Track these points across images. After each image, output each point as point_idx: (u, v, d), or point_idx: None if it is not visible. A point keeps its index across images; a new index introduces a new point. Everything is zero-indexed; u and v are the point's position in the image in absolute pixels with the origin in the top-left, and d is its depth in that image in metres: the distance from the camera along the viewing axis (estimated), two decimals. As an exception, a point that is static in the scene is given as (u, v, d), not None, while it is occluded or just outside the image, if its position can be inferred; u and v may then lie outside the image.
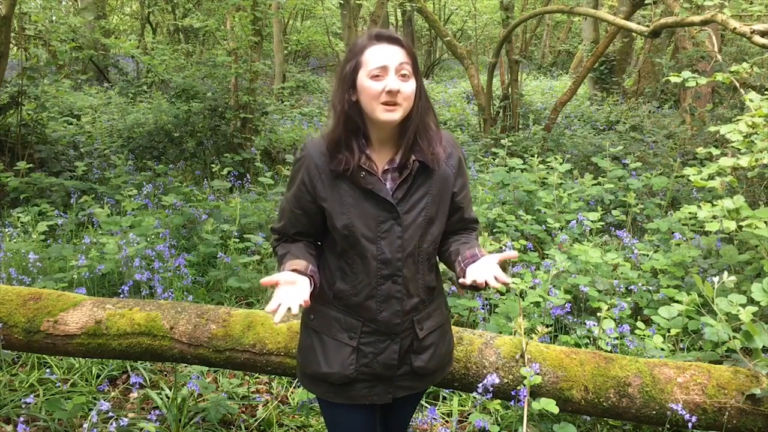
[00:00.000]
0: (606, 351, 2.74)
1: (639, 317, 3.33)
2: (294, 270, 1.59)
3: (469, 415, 2.91)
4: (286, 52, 14.41)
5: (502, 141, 6.59)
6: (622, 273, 3.53)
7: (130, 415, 2.87)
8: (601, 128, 9.27)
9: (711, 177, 3.35)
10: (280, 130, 8.52)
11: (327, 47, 16.69)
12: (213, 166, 6.64)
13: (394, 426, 1.95)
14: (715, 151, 3.54)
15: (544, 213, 4.74)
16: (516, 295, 3.37)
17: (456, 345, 2.31)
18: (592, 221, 4.27)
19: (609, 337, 2.85)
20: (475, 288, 1.54)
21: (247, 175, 6.86)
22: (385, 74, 1.56)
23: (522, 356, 2.30)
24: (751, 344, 2.42)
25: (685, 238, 3.99)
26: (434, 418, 2.62)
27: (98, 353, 2.57)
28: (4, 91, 6.32)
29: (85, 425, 2.35)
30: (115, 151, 7.31)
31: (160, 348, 2.50)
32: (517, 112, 8.62)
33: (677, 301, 3.02)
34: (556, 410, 2.18)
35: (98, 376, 3.28)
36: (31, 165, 6.02)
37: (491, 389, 2.20)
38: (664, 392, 2.21)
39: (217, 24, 8.17)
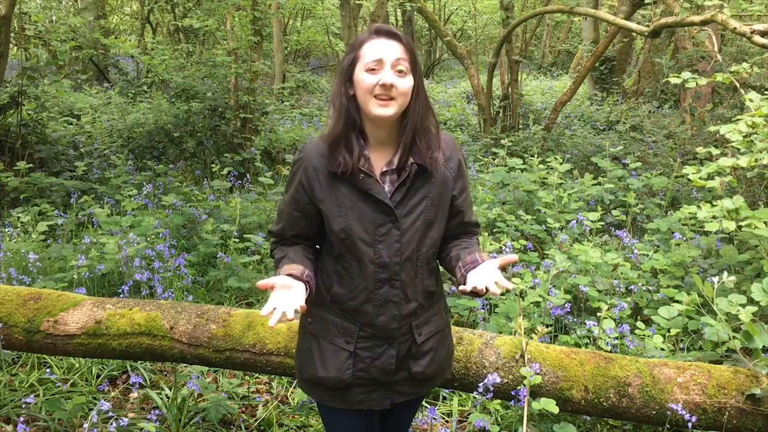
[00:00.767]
0: (606, 351, 2.74)
1: (639, 317, 3.33)
2: (289, 275, 1.56)
3: (469, 415, 2.91)
4: (286, 52, 14.43)
5: (502, 141, 6.60)
6: (622, 273, 3.53)
7: (130, 415, 2.87)
8: (601, 128, 9.27)
9: (711, 177, 3.35)
10: (280, 130, 8.51)
11: (327, 47, 16.67)
12: (213, 166, 6.64)
13: (394, 430, 1.94)
14: (715, 151, 3.53)
15: (544, 213, 4.73)
16: (516, 295, 3.37)
17: (456, 345, 2.31)
18: (592, 221, 4.27)
19: (609, 337, 2.85)
20: (475, 294, 1.52)
21: (247, 175, 6.86)
22: (380, 68, 1.54)
23: (522, 356, 2.30)
24: (751, 344, 2.42)
25: (685, 238, 3.99)
26: (434, 418, 2.62)
27: (98, 353, 2.57)
28: (4, 91, 6.32)
29: (85, 425, 2.34)
30: (115, 151, 7.31)
31: (160, 348, 2.50)
32: (517, 112, 8.62)
33: (677, 301, 3.02)
34: (556, 410, 2.18)
35: (98, 376, 3.28)
36: (31, 165, 6.02)
37: (491, 389, 2.20)
38: (664, 392, 2.21)
39: (217, 24, 8.17)
